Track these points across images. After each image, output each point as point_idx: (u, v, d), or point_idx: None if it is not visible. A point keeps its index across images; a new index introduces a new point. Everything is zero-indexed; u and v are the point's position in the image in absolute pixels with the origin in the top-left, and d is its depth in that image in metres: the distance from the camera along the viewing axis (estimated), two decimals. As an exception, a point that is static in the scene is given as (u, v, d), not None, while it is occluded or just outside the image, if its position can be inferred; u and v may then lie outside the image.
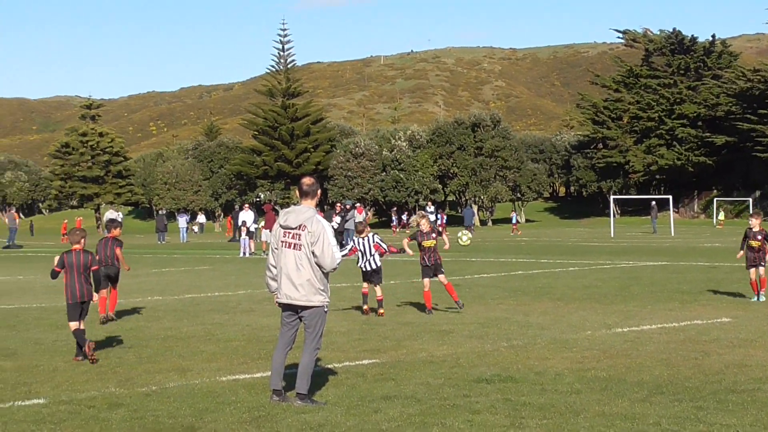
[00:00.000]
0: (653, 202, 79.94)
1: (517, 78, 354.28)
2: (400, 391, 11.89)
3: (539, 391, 11.79)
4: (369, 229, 21.83)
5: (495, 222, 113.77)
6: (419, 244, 20.80)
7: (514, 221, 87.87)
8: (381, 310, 20.29)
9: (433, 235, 20.81)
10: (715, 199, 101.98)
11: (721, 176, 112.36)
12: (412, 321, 19.17)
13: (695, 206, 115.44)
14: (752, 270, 22.64)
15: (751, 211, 27.64)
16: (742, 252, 23.32)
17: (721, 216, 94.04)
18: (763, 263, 22.61)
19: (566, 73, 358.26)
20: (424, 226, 20.71)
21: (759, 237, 22.82)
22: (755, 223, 22.98)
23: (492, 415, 10.45)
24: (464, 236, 23.83)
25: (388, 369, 13.56)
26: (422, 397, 11.50)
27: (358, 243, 20.99)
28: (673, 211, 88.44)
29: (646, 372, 13.02)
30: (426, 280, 20.64)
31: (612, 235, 68.53)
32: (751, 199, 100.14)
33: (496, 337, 16.77)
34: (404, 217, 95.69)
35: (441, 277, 20.69)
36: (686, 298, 22.93)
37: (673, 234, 69.54)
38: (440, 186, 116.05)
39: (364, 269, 20.91)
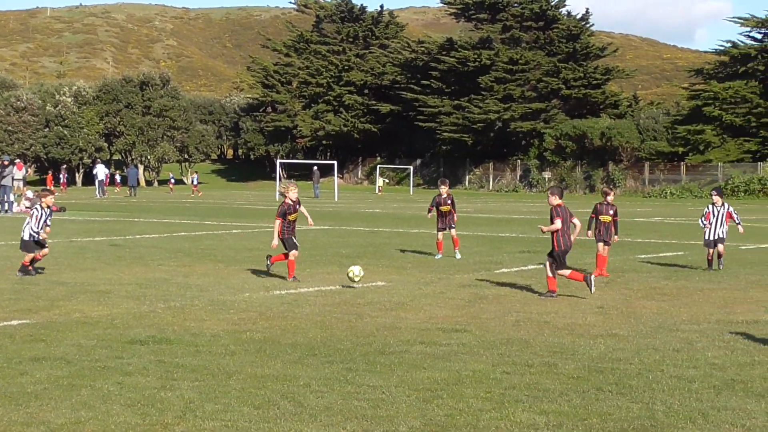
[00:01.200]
0: (315, 167, 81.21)
1: (190, 38, 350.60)
2: (50, 353, 11.52)
3: (193, 353, 11.70)
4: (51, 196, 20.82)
5: (161, 183, 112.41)
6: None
7: (195, 182, 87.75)
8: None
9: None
10: (378, 166, 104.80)
11: (385, 144, 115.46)
12: (68, 281, 18.62)
13: (360, 172, 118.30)
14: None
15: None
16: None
17: (381, 182, 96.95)
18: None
19: (239, 35, 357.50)
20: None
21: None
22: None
23: (143, 377, 10.28)
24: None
25: (39, 330, 13.11)
26: (73, 359, 11.18)
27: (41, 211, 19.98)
28: (338, 176, 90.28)
29: (301, 334, 13.18)
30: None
31: (277, 199, 69.22)
32: (412, 167, 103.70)
33: (154, 298, 16.54)
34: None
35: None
36: (346, 261, 23.33)
37: (336, 199, 71.03)
38: (106, 144, 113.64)
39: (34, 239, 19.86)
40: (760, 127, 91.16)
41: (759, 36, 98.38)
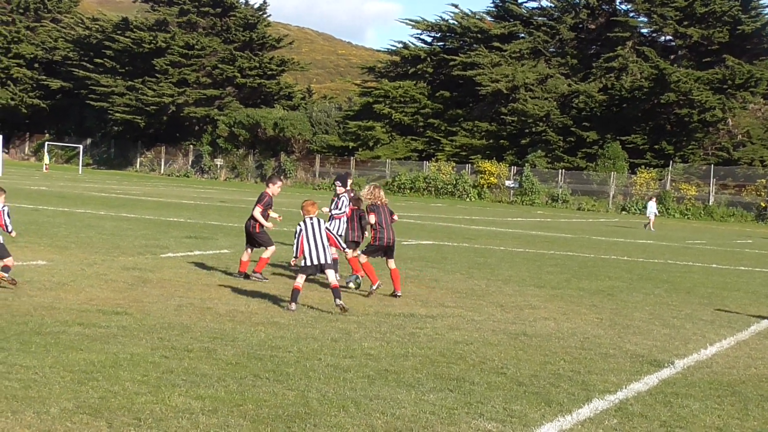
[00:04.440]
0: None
1: None
2: None
3: None
4: None
5: None
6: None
7: None
8: None
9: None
10: (46, 143, 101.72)
11: (55, 120, 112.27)
12: None
13: (27, 148, 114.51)
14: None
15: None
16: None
17: (47, 159, 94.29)
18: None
19: None
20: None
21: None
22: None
23: None
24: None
25: None
26: None
27: None
28: (3, 151, 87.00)
29: (-49, 312, 12.64)
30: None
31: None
32: (82, 146, 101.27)
33: None
34: None
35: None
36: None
37: (0, 174, 68.40)
38: None
39: None
40: (426, 127, 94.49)
41: (429, 39, 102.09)
